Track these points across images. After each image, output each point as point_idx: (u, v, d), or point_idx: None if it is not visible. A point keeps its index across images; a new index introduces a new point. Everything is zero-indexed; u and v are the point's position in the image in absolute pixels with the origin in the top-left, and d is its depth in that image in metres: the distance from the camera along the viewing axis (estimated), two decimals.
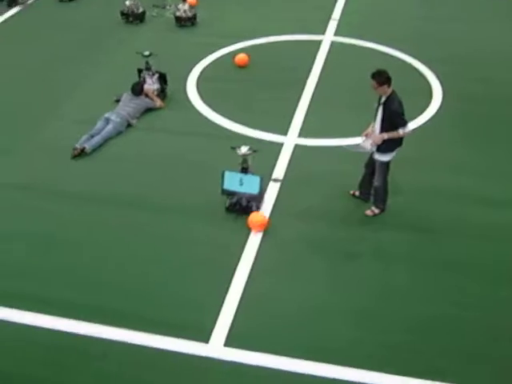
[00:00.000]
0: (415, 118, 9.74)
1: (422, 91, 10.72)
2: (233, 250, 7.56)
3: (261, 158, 8.22)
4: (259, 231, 7.82)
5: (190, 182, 8.69)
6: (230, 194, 8.13)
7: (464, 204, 8.24)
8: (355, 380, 6.07)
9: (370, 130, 7.73)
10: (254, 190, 8.00)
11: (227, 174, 8.03)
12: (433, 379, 6.06)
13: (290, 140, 9.53)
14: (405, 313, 6.77)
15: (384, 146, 7.51)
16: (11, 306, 6.84)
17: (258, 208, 8.11)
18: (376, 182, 7.91)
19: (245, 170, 8.04)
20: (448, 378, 6.07)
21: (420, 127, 9.58)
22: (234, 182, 8.03)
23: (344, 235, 7.83)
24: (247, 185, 8.00)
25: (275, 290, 7.10)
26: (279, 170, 8.87)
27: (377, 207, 8.10)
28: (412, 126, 8.25)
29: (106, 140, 9.54)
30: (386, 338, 6.49)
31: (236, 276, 7.22)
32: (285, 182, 8.65)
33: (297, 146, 9.38)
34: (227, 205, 8.16)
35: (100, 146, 9.44)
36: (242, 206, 8.10)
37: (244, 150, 7.98)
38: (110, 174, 8.91)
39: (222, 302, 6.88)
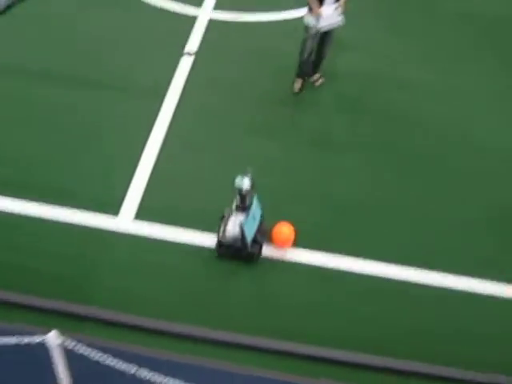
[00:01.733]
0: None
1: None
2: (144, 122, 7.39)
3: (173, 32, 7.89)
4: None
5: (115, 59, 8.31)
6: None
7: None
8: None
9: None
10: (258, 215, 6.17)
11: (246, 228, 5.97)
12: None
13: (205, 13, 9.17)
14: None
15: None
16: None
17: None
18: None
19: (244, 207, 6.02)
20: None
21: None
22: (251, 226, 6.05)
23: (266, 112, 7.74)
24: (256, 214, 6.14)
25: (186, 164, 7.02)
26: (193, 44, 8.57)
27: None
28: None
29: None
30: (316, 220, 6.60)
31: (147, 149, 7.09)
32: (199, 56, 8.38)
33: (212, 20, 9.05)
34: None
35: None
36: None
37: (246, 184, 5.88)
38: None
39: (133, 175, 6.78)
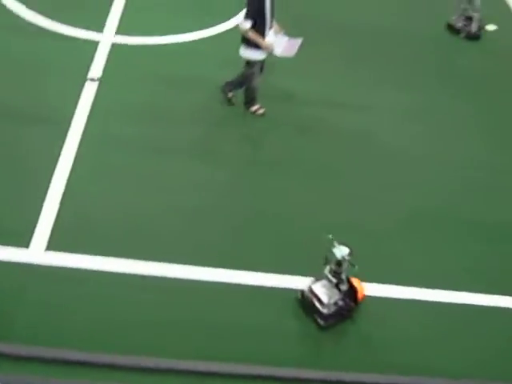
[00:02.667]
0: None
1: None
2: (50, 150, 7.29)
3: (76, 58, 7.82)
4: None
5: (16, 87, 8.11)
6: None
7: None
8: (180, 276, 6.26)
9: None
10: None
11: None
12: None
13: (108, 38, 9.14)
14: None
15: None
16: None
17: None
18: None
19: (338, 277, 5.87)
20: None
21: None
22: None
23: (177, 133, 7.78)
24: None
25: (97, 190, 6.96)
26: (97, 69, 8.51)
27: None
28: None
29: None
30: (210, 237, 6.67)
31: (55, 177, 6.97)
32: (104, 82, 8.34)
33: (115, 45, 9.03)
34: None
35: None
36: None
37: (345, 251, 5.74)
38: None
39: (42, 204, 6.65)
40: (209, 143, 7.79)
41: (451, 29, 10.23)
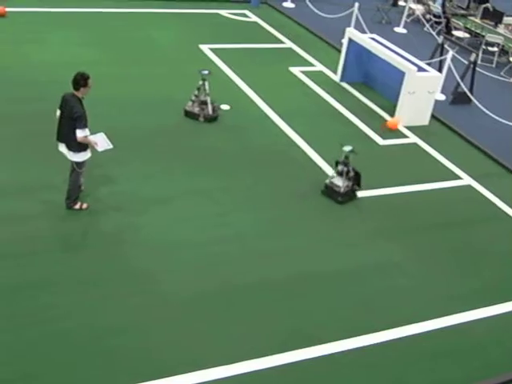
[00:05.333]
0: None
1: None
2: None
3: None
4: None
5: None
6: None
7: None
8: None
9: None
10: None
11: None
12: None
13: None
14: None
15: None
16: None
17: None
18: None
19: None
20: None
21: None
22: None
23: None
24: None
25: None
26: None
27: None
28: None
29: None
30: None
31: None
32: None
33: None
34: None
35: None
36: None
37: (349, 148, 9.33)
38: None
39: None
40: None
41: (190, 115, 11.08)
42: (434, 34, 17.27)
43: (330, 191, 9.53)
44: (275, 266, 7.93)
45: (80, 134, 7.89)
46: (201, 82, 11.03)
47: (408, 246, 8.71)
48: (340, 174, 9.45)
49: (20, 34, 13.53)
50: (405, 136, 11.77)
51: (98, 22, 14.87)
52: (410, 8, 18.86)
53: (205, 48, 14.26)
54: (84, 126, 7.92)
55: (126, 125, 10.48)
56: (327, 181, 9.58)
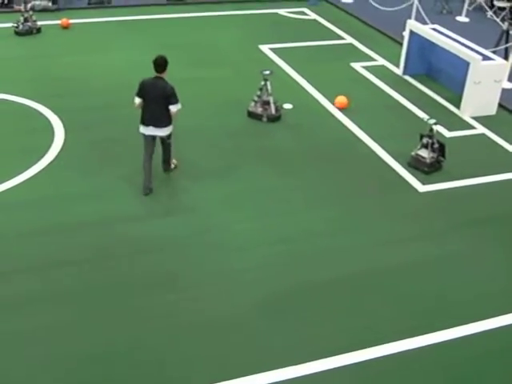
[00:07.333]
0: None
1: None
2: None
3: None
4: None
5: None
6: None
7: None
8: None
9: None
10: None
11: None
12: None
13: None
14: None
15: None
16: None
17: None
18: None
19: None
20: None
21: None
22: None
23: None
24: None
25: None
26: None
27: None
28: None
29: None
30: None
31: None
32: None
33: None
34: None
35: None
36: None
37: (432, 121, 9.79)
38: None
39: None
40: None
41: (253, 115, 11.17)
42: (497, 20, 16.82)
43: (416, 162, 9.92)
44: (343, 263, 7.91)
45: (176, 108, 8.61)
46: (263, 83, 11.09)
47: (476, 237, 8.54)
48: (425, 146, 9.83)
49: (85, 44, 13.93)
50: (472, 127, 11.52)
51: (159, 27, 15.17)
52: None
53: (265, 48, 14.33)
54: (178, 101, 8.61)
55: (190, 125, 10.65)
56: (413, 153, 9.94)
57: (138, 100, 8.63)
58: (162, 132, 8.77)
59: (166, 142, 9.00)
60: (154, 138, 8.86)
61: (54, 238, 7.96)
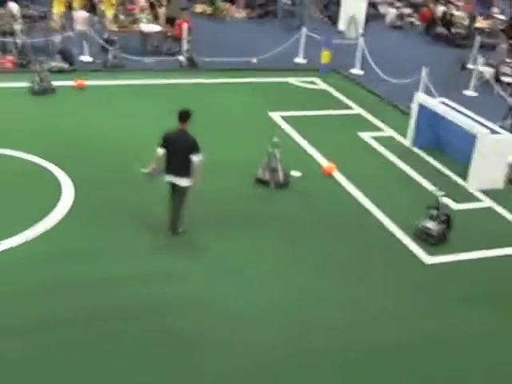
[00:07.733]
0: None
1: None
2: None
3: None
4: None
5: None
6: None
7: None
8: None
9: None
10: None
11: None
12: None
13: None
14: None
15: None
16: None
17: None
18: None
19: None
20: None
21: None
22: None
23: None
24: None
25: None
26: None
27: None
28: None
29: None
30: None
31: None
32: None
33: None
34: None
35: None
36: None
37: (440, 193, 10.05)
38: None
39: None
40: None
41: (260, 181, 11.23)
42: (505, 96, 17.07)
43: (423, 234, 9.92)
44: (343, 336, 7.84)
45: (198, 158, 8.93)
46: (271, 149, 11.20)
47: (495, 313, 8.47)
48: (432, 218, 9.84)
49: (98, 105, 14.17)
50: (479, 200, 11.54)
51: (171, 92, 15.41)
52: (479, 71, 18.77)
53: (275, 115, 14.52)
54: (200, 152, 8.95)
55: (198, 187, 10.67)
56: (420, 224, 9.94)
57: (161, 151, 8.94)
58: (181, 182, 9.03)
59: (180, 193, 9.15)
60: (173, 186, 9.14)
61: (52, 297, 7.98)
